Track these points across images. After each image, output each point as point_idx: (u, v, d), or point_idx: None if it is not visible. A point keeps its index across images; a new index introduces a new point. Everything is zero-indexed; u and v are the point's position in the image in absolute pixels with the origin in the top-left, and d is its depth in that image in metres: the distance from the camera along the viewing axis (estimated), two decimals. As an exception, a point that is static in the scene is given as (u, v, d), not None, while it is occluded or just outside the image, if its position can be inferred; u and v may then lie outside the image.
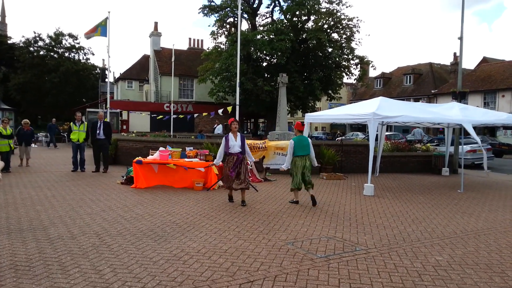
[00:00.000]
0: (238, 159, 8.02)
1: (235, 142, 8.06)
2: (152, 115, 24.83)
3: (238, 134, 8.20)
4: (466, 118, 10.76)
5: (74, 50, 52.70)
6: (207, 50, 31.33)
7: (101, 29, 16.54)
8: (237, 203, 8.23)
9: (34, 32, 62.59)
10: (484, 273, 4.62)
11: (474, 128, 10.77)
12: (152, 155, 10.70)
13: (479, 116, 11.56)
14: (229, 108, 17.11)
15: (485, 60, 42.52)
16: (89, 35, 16.67)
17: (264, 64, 30.10)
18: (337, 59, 28.85)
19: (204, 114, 20.19)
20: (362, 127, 43.11)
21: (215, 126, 27.21)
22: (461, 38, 14.96)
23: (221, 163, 11.10)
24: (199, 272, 4.40)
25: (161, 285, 4.02)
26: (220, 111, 17.26)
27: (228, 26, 31.07)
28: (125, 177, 10.66)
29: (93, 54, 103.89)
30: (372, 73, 46.63)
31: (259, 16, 31.84)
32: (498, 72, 36.44)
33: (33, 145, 15.37)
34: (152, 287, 3.96)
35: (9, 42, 53.60)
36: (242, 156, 8.11)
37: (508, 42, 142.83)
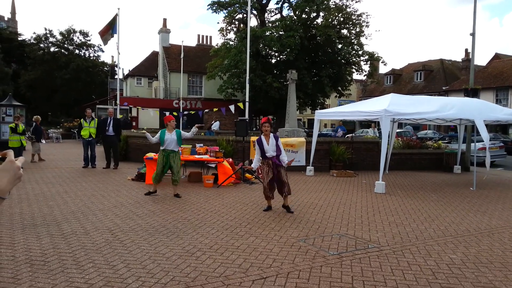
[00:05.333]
0: (273, 163, 7.18)
1: (267, 147, 7.18)
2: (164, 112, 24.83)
3: (271, 136, 7.27)
4: (478, 114, 10.60)
5: (84, 47, 53.00)
6: (216, 47, 31.32)
7: (111, 26, 16.70)
8: (244, 203, 8.23)
9: (45, 29, 63.14)
10: (499, 271, 4.57)
11: (487, 125, 10.63)
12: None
13: (494, 113, 11.36)
14: (240, 104, 17.08)
15: (497, 56, 42.00)
16: (105, 37, 16.91)
17: (273, 60, 30.03)
18: (346, 55, 28.66)
19: (215, 109, 20.19)
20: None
21: (212, 122, 27.25)
22: (473, 34, 14.77)
23: (231, 159, 11.20)
24: (212, 268, 4.41)
25: (174, 280, 4.04)
26: (232, 107, 17.25)
27: (237, 22, 31.03)
28: (138, 172, 10.71)
29: (102, 51, 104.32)
30: (382, 70, 46.39)
31: (268, 12, 31.75)
32: (511, 69, 35.97)
33: (43, 141, 15.64)
34: (166, 282, 3.98)
35: (19, 39, 54.04)
36: (279, 160, 7.23)
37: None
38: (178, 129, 9.15)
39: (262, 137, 7.28)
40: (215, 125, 24.65)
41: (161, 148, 8.45)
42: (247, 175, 10.88)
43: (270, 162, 7.20)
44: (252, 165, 7.74)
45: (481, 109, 10.93)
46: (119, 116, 17.98)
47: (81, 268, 4.29)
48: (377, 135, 19.52)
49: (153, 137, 8.69)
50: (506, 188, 11.07)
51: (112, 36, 17.30)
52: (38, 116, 15.75)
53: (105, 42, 17.80)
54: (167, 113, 22.47)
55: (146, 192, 8.61)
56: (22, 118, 15.28)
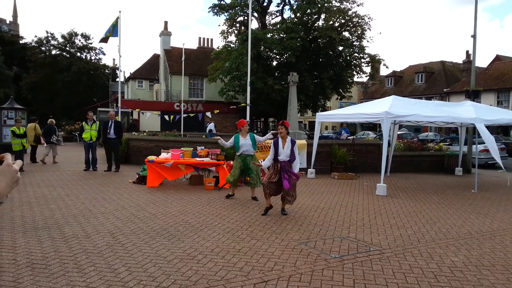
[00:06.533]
0: (282, 168, 7.11)
1: (282, 150, 7.12)
2: (164, 115, 24.74)
3: (288, 140, 7.20)
4: (478, 117, 10.61)
5: (86, 50, 53.06)
6: (217, 49, 31.34)
7: (112, 29, 16.71)
8: (248, 206, 8.23)
9: (47, 32, 63.04)
10: (501, 274, 4.55)
11: (487, 127, 10.63)
12: (167, 153, 10.76)
13: (492, 115, 11.38)
14: (242, 105, 17.09)
15: (498, 58, 41.99)
16: (104, 39, 16.99)
17: (274, 63, 30.05)
18: (348, 57, 28.67)
19: (216, 111, 20.21)
20: (373, 126, 42.88)
21: (206, 125, 27.06)
22: (474, 36, 14.77)
23: (232, 162, 11.19)
24: (213, 271, 4.41)
25: (176, 284, 4.03)
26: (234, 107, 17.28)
27: (238, 25, 31.07)
28: (138, 176, 10.72)
29: (104, 54, 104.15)
30: (383, 72, 46.41)
31: (269, 14, 31.80)
32: (512, 70, 35.96)
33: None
34: (167, 286, 3.97)
35: (21, 42, 54.13)
36: (289, 165, 7.17)
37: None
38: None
39: (280, 139, 7.24)
40: (211, 126, 24.47)
41: (237, 153, 8.53)
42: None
43: (279, 166, 7.14)
44: (263, 163, 7.52)
45: (481, 113, 10.92)
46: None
47: (82, 271, 4.29)
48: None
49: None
50: (508, 190, 11.05)
51: (111, 35, 17.24)
52: (53, 120, 16.38)
53: (103, 41, 17.76)
54: (178, 115, 22.47)
55: (226, 195, 8.72)
56: (36, 121, 15.83)
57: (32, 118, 16.36)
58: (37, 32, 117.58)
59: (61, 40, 51.05)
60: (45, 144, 15.26)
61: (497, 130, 31.84)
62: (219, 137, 9.54)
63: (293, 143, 7.22)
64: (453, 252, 5.28)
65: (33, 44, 50.96)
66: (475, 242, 5.81)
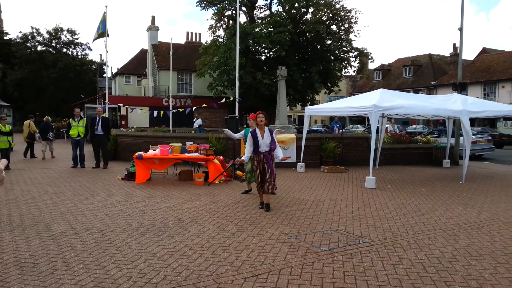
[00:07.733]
0: (265, 158, 7.07)
1: (262, 140, 7.03)
2: (153, 111, 24.41)
3: (266, 130, 7.13)
4: (465, 109, 10.71)
5: (72, 45, 52.38)
6: (205, 44, 31.16)
7: (101, 25, 16.56)
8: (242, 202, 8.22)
9: (32, 27, 62.01)
10: (488, 264, 4.61)
11: (475, 119, 10.76)
12: (154, 150, 10.70)
13: (479, 108, 11.51)
14: (230, 99, 17.02)
15: (484, 51, 42.46)
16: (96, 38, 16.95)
17: (263, 57, 29.98)
18: (336, 51, 28.72)
19: (204, 105, 20.11)
20: (361, 120, 43.10)
21: (194, 120, 26.84)
22: (461, 29, 14.88)
23: (221, 157, 11.18)
24: (203, 266, 4.39)
25: (166, 280, 4.01)
26: (221, 102, 17.22)
27: (226, 19, 30.90)
28: (127, 172, 10.65)
29: (90, 49, 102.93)
30: (372, 65, 46.52)
31: (257, 8, 31.65)
32: (498, 63, 36.40)
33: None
34: (157, 282, 3.95)
35: (5, 38, 53.19)
36: (270, 155, 7.15)
37: (506, 31, 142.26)
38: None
39: (257, 129, 7.15)
40: (197, 123, 24.31)
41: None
42: (238, 172, 10.87)
43: (262, 157, 7.11)
44: (243, 157, 7.44)
45: (468, 106, 11.03)
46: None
47: (71, 269, 4.24)
48: (397, 131, 18.95)
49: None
50: (495, 181, 11.19)
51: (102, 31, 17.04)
52: (49, 117, 17.15)
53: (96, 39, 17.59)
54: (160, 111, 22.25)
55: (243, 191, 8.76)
56: (9, 118, 16.00)
57: (29, 116, 16.94)
58: (22, 27, 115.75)
59: (46, 35, 50.38)
60: (40, 141, 15.87)
61: (484, 122, 32.24)
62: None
63: (271, 131, 7.23)
64: (442, 243, 5.34)
65: (18, 40, 50.18)
66: (463, 232, 5.88)
